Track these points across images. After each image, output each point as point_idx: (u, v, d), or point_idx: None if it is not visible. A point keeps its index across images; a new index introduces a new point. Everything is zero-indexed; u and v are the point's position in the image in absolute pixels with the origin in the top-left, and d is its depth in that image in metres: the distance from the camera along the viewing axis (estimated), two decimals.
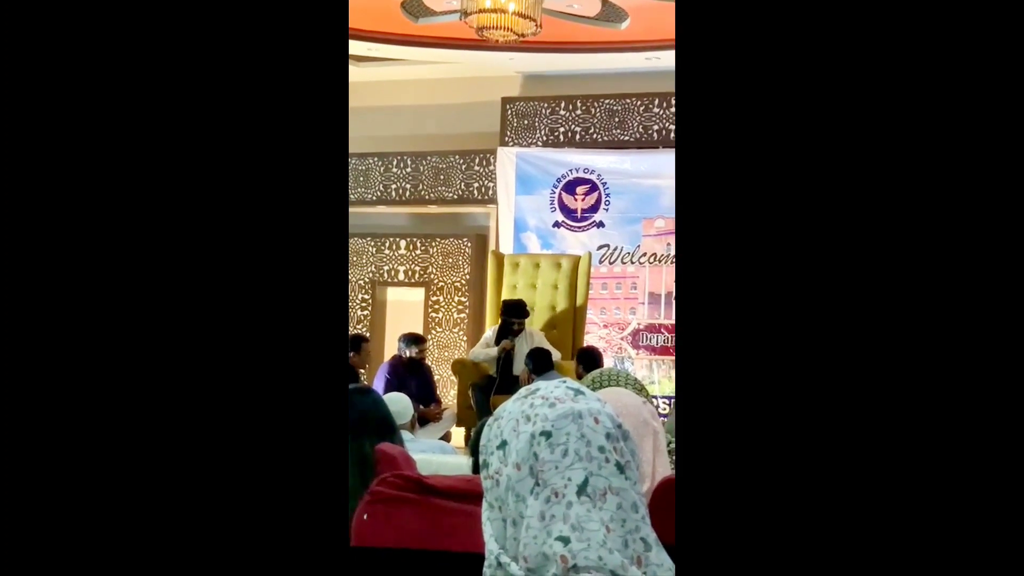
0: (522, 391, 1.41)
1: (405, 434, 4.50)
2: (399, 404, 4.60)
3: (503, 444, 1.34)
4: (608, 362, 8.00)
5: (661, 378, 8.72)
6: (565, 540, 1.25)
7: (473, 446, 3.49)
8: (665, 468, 2.43)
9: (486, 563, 1.34)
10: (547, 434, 1.31)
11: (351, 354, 7.76)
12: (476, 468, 3.41)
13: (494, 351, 7.72)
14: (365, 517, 1.76)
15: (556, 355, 7.55)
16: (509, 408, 1.38)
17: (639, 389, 2.50)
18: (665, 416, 7.64)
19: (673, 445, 2.63)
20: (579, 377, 7.44)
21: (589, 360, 7.44)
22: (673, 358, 8.62)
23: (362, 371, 8.04)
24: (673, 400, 7.88)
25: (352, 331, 9.35)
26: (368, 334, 9.29)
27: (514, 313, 7.75)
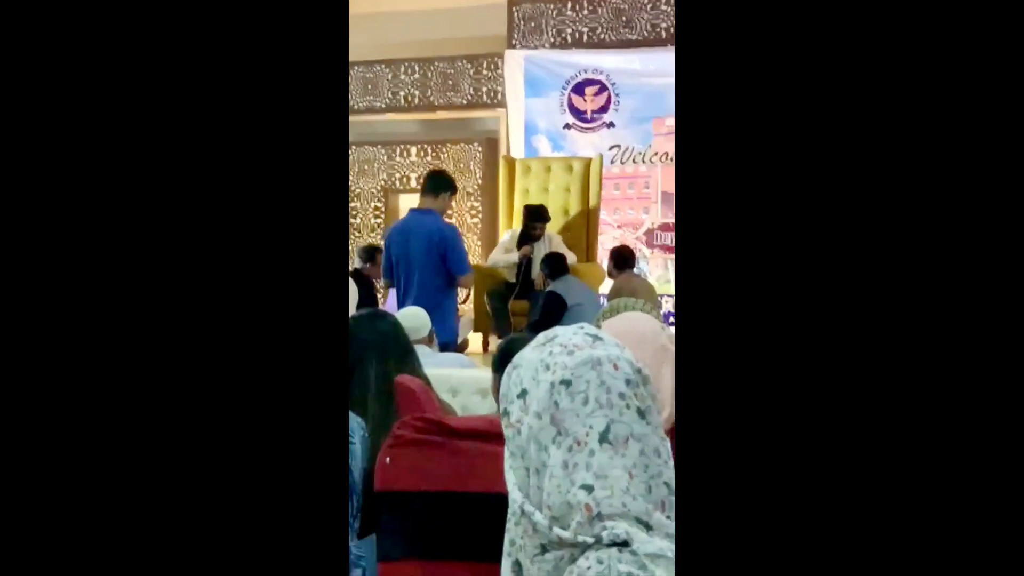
0: (540, 338, 1.40)
1: (423, 348, 4.52)
2: (417, 319, 4.61)
3: (523, 393, 1.35)
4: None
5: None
6: (588, 488, 1.26)
7: (495, 362, 3.50)
8: None
9: (509, 511, 1.34)
10: (567, 382, 1.31)
11: (367, 264, 7.78)
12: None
13: (514, 256, 7.65)
14: (388, 461, 1.77)
15: (572, 258, 7.53)
16: (528, 356, 1.38)
17: (652, 308, 2.49)
18: None
19: None
20: (609, 276, 7.46)
21: (621, 259, 7.45)
22: None
23: (377, 281, 8.05)
24: None
25: (366, 241, 9.36)
26: (382, 243, 9.30)
27: (536, 217, 7.64)
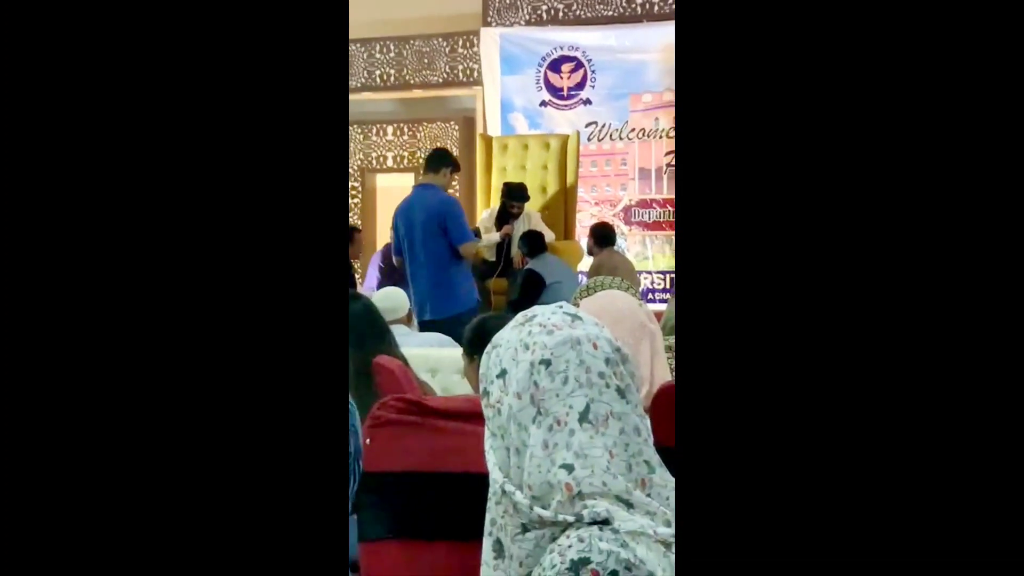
0: (519, 317, 1.40)
1: (402, 327, 4.52)
2: (394, 300, 4.60)
3: (503, 373, 1.35)
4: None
5: (655, 253, 8.73)
6: (569, 468, 1.26)
7: (465, 343, 3.50)
8: (664, 370, 2.44)
9: (490, 491, 1.35)
10: (546, 362, 1.31)
11: None
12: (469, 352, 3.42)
13: (496, 236, 7.62)
14: (368, 442, 1.77)
15: (550, 236, 7.53)
16: (507, 336, 1.38)
17: (631, 287, 2.50)
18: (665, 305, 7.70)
19: (673, 341, 2.65)
20: (591, 253, 7.47)
21: (602, 236, 7.47)
22: (667, 233, 8.62)
23: (355, 261, 8.04)
24: (673, 289, 7.90)
25: None
26: (360, 223, 9.27)
27: (515, 196, 7.62)
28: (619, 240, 8.38)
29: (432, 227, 6.11)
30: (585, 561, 1.20)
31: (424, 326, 5.74)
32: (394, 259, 6.63)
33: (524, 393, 1.31)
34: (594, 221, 8.33)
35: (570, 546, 1.23)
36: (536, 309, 1.40)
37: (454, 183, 9.35)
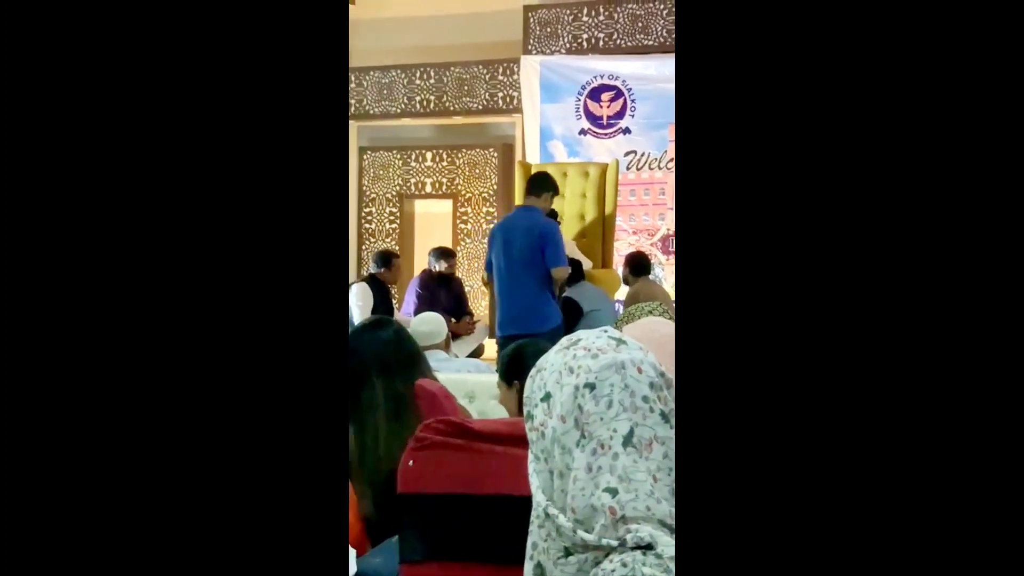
0: (563, 341, 1.41)
1: (439, 354, 4.54)
2: (433, 324, 4.62)
3: (547, 396, 1.35)
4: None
5: None
6: (613, 491, 1.26)
7: (501, 369, 3.49)
8: None
9: (533, 514, 1.35)
10: (591, 386, 1.31)
11: (381, 269, 7.79)
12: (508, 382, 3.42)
13: None
14: (411, 464, 1.77)
15: (587, 264, 7.52)
16: (551, 359, 1.38)
17: (666, 312, 2.50)
18: None
19: None
20: (626, 282, 7.45)
21: (637, 265, 7.46)
22: None
23: (393, 287, 8.06)
24: None
25: (382, 246, 9.37)
26: (397, 248, 9.31)
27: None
28: (657, 270, 8.36)
29: (532, 249, 6.32)
30: None
31: (506, 341, 5.86)
32: (484, 275, 6.85)
33: (568, 416, 1.31)
34: (631, 250, 8.32)
35: (613, 571, 1.23)
36: (581, 333, 1.40)
37: (492, 210, 9.40)
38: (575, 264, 7.22)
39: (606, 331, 1.40)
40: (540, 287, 6.33)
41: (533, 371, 1.40)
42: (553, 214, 7.62)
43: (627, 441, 1.29)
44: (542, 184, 6.76)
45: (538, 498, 1.34)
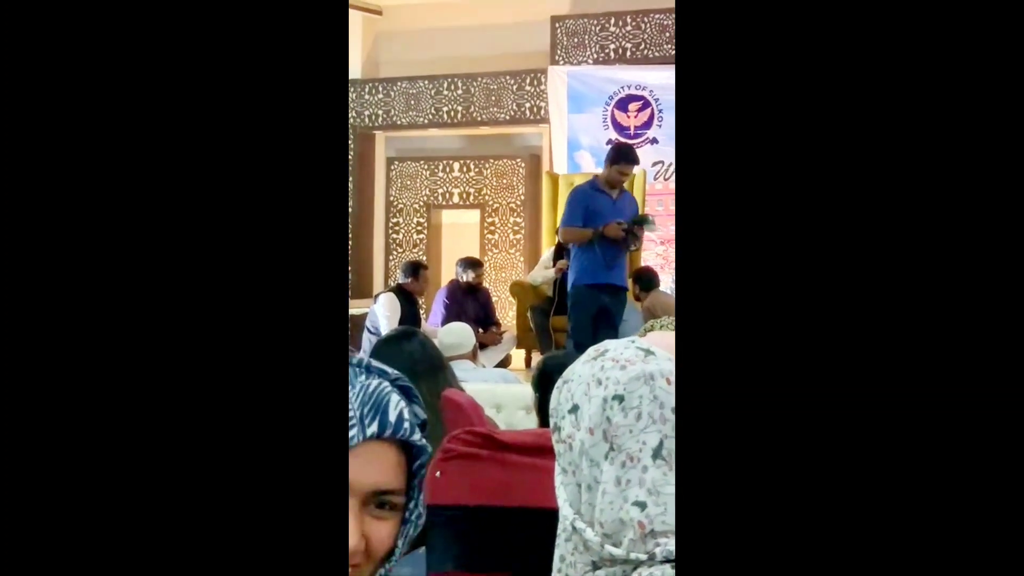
0: (590, 351, 1.39)
1: (466, 363, 4.52)
2: (460, 335, 4.61)
3: (575, 408, 1.33)
4: (666, 279, 7.95)
5: None
6: (642, 505, 1.25)
7: (535, 383, 3.49)
8: None
9: (560, 527, 1.33)
10: (619, 398, 1.29)
11: (409, 279, 7.79)
12: (541, 403, 3.42)
13: (551, 272, 7.66)
14: (438, 475, 1.76)
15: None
16: (579, 371, 1.37)
17: None
18: None
19: None
20: (637, 299, 7.43)
21: (646, 280, 7.45)
22: None
23: (420, 297, 8.07)
24: None
25: (410, 257, 9.38)
26: (425, 258, 9.32)
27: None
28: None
29: None
30: None
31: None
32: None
33: (596, 429, 1.29)
34: (658, 260, 8.31)
35: None
36: (608, 343, 1.39)
37: (519, 220, 9.40)
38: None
39: (634, 341, 1.38)
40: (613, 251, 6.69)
41: (560, 382, 1.39)
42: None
43: (656, 454, 1.27)
44: (607, 154, 7.28)
45: (565, 511, 1.32)
